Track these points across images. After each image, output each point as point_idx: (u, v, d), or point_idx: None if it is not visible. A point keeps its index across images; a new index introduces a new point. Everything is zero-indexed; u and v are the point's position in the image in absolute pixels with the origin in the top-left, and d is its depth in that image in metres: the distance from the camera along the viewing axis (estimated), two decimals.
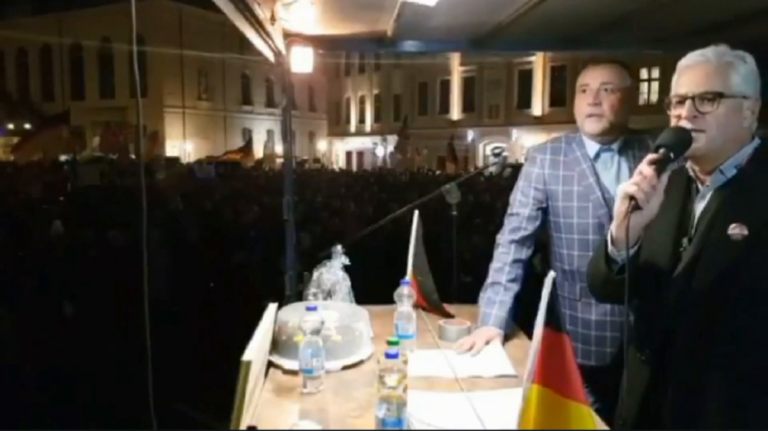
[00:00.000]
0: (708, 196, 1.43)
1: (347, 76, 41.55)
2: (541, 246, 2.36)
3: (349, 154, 42.39)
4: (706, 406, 1.34)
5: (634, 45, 2.87)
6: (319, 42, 2.72)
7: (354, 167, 36.49)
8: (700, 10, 2.28)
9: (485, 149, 32.82)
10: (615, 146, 2.07)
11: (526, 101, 31.65)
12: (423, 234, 2.38)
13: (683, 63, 1.44)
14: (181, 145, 35.04)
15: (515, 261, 2.13)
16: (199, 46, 32.66)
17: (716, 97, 1.36)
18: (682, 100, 1.40)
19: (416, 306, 2.17)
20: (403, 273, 2.26)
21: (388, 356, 1.31)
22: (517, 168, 10.69)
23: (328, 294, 2.07)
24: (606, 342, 2.06)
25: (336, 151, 44.01)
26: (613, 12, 2.30)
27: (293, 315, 1.82)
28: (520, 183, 2.20)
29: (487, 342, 1.97)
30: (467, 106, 34.11)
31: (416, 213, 2.40)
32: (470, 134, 32.95)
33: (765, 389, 1.32)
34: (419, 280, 2.31)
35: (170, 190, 11.86)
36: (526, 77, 31.45)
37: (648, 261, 1.45)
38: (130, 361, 2.18)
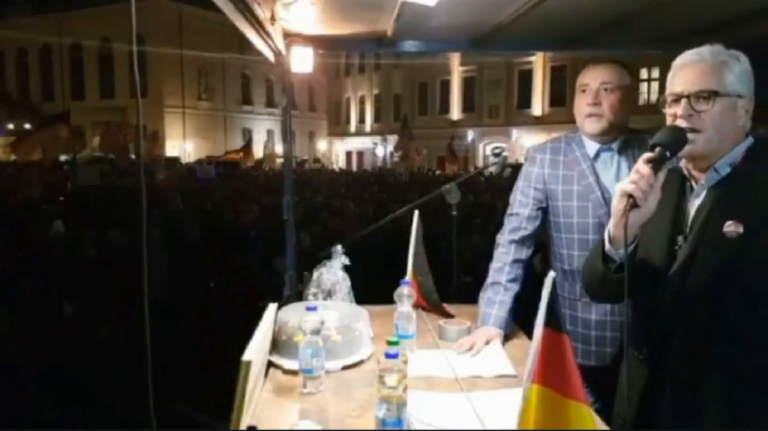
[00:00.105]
0: (703, 194, 1.43)
1: (347, 76, 41.55)
2: (541, 246, 2.35)
3: (349, 154, 42.39)
4: (703, 405, 1.34)
5: (634, 45, 2.87)
6: (319, 42, 2.72)
7: (354, 167, 36.54)
8: (700, 10, 2.28)
9: (485, 149, 32.84)
10: (615, 146, 2.07)
11: (526, 101, 31.65)
12: (423, 234, 2.38)
13: (678, 62, 1.45)
14: (181, 145, 35.05)
15: (515, 261, 2.13)
16: (199, 46, 32.68)
17: (711, 95, 1.36)
18: (677, 99, 1.41)
19: (416, 306, 2.17)
20: (403, 273, 2.26)
21: (388, 356, 1.31)
22: (517, 168, 10.66)
23: (328, 294, 2.07)
24: (606, 342, 2.05)
25: (336, 151, 44.02)
26: (613, 12, 2.30)
27: (293, 315, 1.82)
28: (520, 183, 2.20)
29: (487, 342, 1.97)
30: (467, 106, 34.11)
31: (416, 213, 2.40)
32: (470, 134, 32.96)
33: (762, 388, 1.32)
34: (419, 280, 2.31)
35: (170, 190, 11.88)
36: (526, 77, 31.46)
37: (644, 260, 1.46)
38: (130, 361, 2.19)
